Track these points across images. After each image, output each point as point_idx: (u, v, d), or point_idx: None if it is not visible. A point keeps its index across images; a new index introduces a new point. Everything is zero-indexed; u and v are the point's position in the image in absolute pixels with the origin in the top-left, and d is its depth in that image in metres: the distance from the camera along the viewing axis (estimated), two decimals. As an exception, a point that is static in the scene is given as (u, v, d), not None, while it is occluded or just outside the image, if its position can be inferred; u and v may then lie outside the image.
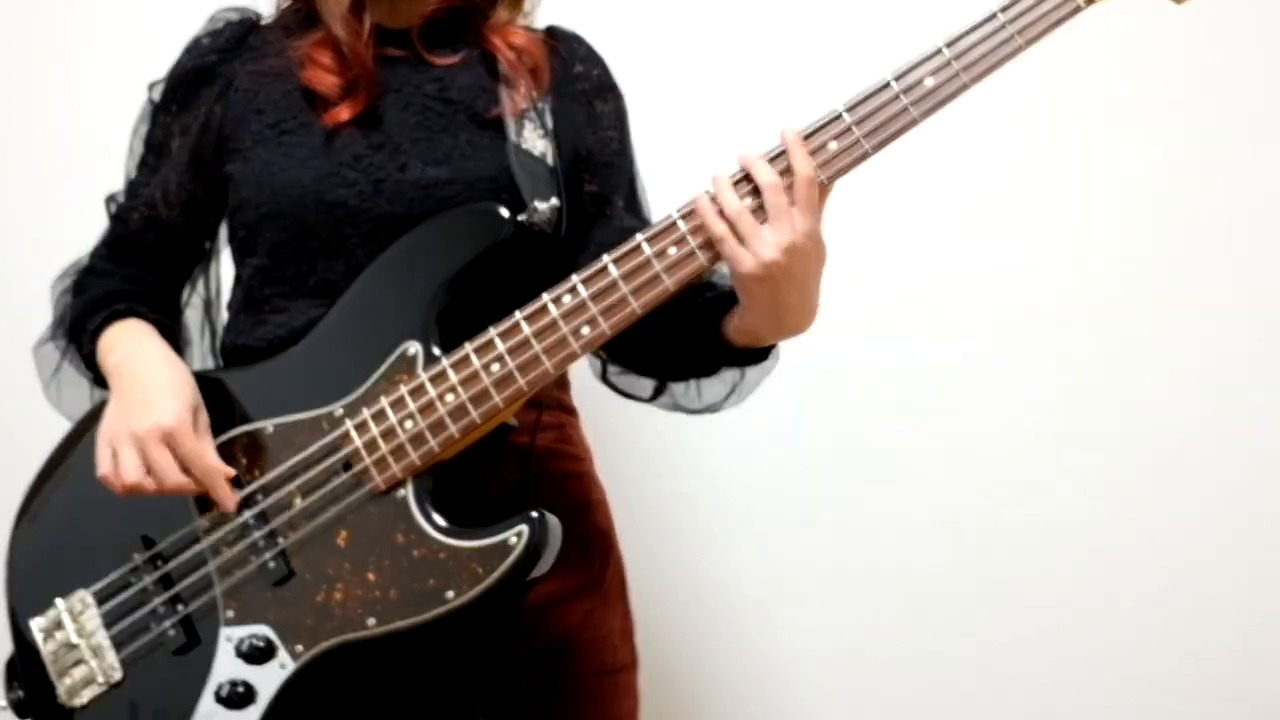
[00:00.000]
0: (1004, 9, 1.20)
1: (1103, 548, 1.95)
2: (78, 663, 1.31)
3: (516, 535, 1.20)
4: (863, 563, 1.99)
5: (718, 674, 2.03)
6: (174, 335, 1.43)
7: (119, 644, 1.31)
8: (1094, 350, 1.96)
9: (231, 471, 1.28)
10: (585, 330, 1.24)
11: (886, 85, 1.20)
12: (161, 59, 1.48)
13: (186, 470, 1.26)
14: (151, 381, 1.29)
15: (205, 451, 1.27)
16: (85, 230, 1.52)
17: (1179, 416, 1.94)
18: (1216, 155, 1.92)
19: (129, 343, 1.35)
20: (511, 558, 1.20)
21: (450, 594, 1.21)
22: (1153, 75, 1.91)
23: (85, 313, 1.40)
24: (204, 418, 1.30)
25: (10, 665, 1.37)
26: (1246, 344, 1.94)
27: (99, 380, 1.39)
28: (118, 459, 1.27)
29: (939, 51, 1.21)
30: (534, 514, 1.21)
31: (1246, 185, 1.93)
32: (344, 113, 1.35)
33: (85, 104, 2.04)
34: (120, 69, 1.99)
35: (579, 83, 1.44)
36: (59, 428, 1.44)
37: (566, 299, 1.24)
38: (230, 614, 1.28)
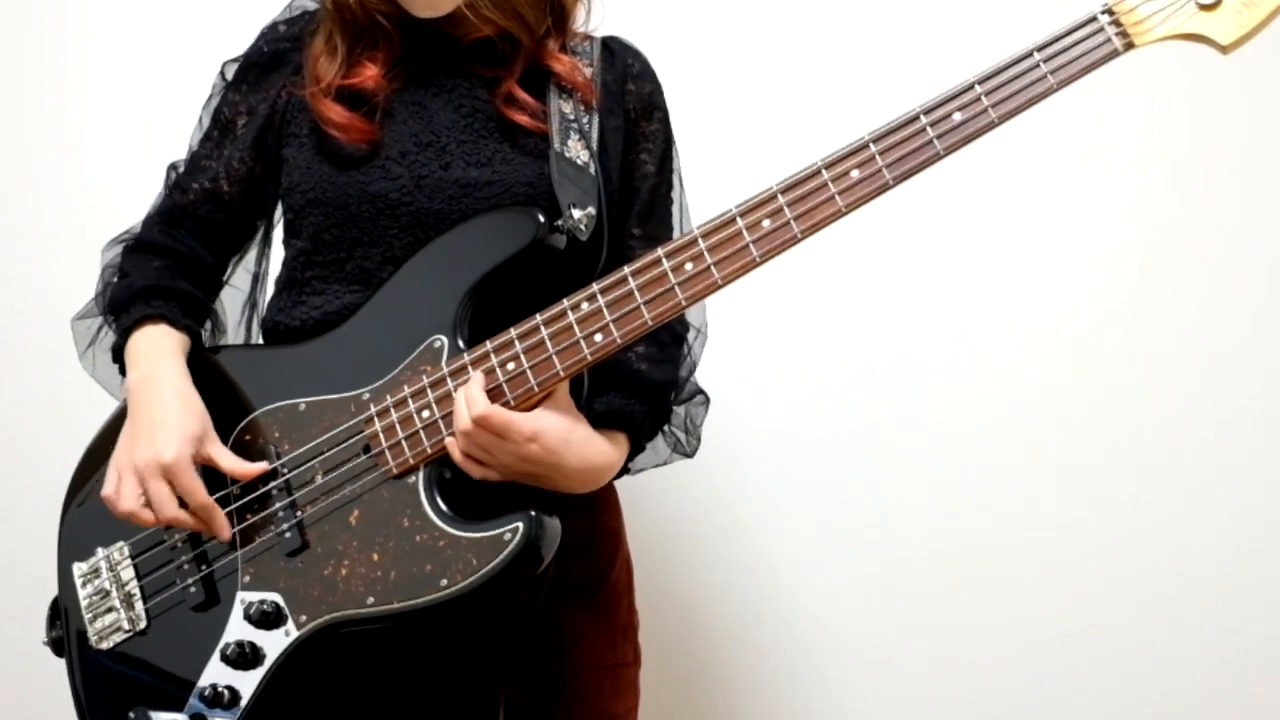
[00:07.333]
0: (1040, 49, 1.19)
1: (1121, 559, 1.98)
2: (109, 609, 1.39)
3: (512, 531, 1.24)
4: (870, 564, 2.02)
5: (719, 673, 2.05)
6: (197, 334, 1.46)
7: (147, 595, 1.39)
8: (1112, 363, 1.99)
9: (224, 521, 1.34)
10: (598, 337, 1.27)
11: (915, 119, 1.21)
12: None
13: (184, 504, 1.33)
14: (159, 414, 1.34)
15: (200, 488, 1.32)
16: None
17: (1194, 428, 1.97)
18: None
19: (149, 363, 1.39)
20: (505, 552, 1.23)
21: (444, 582, 1.25)
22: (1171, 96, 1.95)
23: (124, 301, 1.44)
24: (212, 438, 1.36)
25: (54, 606, 1.46)
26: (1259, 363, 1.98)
27: (124, 369, 1.44)
28: (120, 485, 1.34)
29: (970, 88, 1.21)
30: (532, 513, 1.24)
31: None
32: (353, 136, 1.39)
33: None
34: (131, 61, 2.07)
35: (628, 100, 1.47)
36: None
37: (584, 305, 1.28)
38: (247, 578, 1.34)
